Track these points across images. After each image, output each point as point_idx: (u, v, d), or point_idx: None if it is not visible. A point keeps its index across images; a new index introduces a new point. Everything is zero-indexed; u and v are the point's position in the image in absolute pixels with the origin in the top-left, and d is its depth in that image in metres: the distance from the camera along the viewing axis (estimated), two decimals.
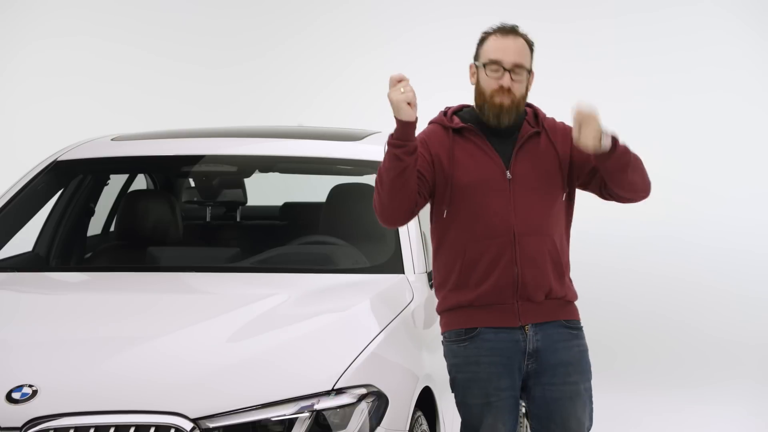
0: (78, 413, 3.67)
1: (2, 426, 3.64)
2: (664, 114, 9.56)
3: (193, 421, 3.66)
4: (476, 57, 4.24)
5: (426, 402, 4.35)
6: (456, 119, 4.26)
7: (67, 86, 10.09)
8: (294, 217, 6.10)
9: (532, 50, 4.24)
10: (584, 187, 4.29)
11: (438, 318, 4.72)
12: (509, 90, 4.14)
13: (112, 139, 5.66)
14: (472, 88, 4.26)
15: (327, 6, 10.25)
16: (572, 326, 4.24)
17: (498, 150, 4.19)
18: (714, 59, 9.79)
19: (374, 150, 5.35)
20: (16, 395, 3.70)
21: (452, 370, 4.24)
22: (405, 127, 4.05)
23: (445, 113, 4.31)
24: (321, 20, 10.21)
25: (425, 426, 4.25)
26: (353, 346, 4.02)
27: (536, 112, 4.28)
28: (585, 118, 4.02)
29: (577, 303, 4.30)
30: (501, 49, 4.17)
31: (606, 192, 4.23)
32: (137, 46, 10.19)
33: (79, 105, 10.03)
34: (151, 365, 3.85)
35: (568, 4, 9.72)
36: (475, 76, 4.23)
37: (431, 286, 4.81)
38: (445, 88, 9.92)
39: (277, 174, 5.88)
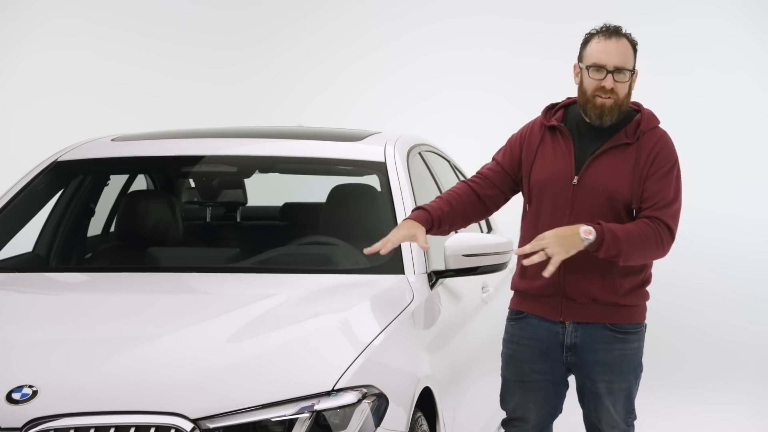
0: (78, 414, 3.67)
1: (2, 426, 3.64)
2: (664, 115, 9.52)
3: (194, 421, 3.66)
4: (580, 58, 4.36)
5: (426, 402, 4.35)
6: (557, 115, 4.41)
7: (68, 86, 10.09)
8: (294, 218, 6.10)
9: (635, 50, 4.35)
10: None
11: (439, 318, 4.76)
12: (612, 90, 4.26)
13: (112, 140, 5.65)
14: (575, 87, 4.39)
15: (327, 6, 10.25)
16: (619, 330, 4.37)
17: (578, 153, 4.32)
18: (714, 61, 9.79)
19: (374, 150, 5.35)
20: (16, 396, 3.70)
21: (503, 344, 4.58)
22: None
23: (551, 107, 4.47)
24: (321, 20, 10.21)
25: (425, 426, 4.25)
26: (353, 346, 4.02)
27: (641, 121, 4.34)
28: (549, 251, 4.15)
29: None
30: (604, 51, 4.29)
31: None
32: (137, 46, 10.19)
33: (80, 105, 10.03)
34: (151, 365, 3.84)
35: (568, 5, 9.71)
36: (579, 76, 4.35)
37: (431, 287, 4.83)
38: (445, 88, 9.96)
39: (277, 174, 5.88)
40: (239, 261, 5.15)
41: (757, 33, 9.84)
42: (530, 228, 4.39)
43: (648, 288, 4.44)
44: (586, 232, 4.15)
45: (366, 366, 3.94)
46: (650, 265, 4.42)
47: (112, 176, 5.91)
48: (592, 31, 4.36)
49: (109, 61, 10.15)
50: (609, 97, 4.26)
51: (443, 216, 4.46)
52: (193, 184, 6.42)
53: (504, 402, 4.57)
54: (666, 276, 9.48)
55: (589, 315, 4.35)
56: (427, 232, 4.43)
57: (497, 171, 4.50)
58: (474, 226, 6.21)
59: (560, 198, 4.31)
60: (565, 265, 4.25)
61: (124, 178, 6.13)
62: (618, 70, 4.27)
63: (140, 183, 6.23)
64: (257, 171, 5.75)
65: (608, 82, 4.25)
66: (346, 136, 5.72)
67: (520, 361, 4.47)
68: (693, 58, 9.80)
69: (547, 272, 4.14)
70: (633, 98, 4.38)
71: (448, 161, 6.28)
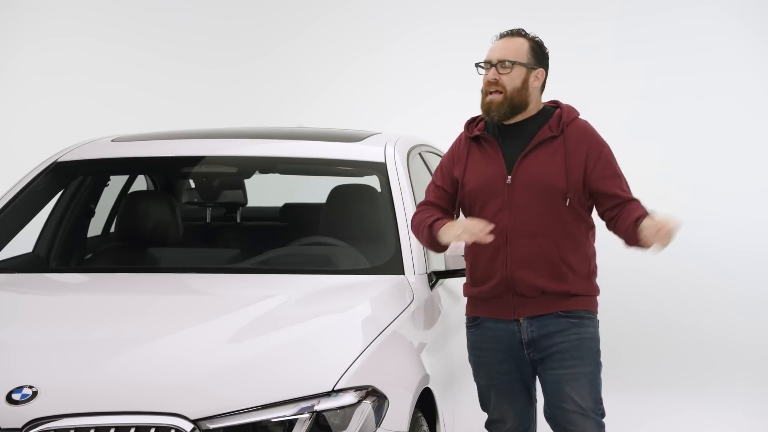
0: (78, 414, 3.67)
1: (2, 427, 3.64)
2: (664, 116, 9.55)
3: (194, 422, 3.66)
4: None
5: (426, 403, 4.35)
6: (479, 126, 4.48)
7: (68, 86, 10.08)
8: (294, 218, 6.10)
9: (536, 49, 4.43)
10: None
11: (439, 318, 4.77)
12: (497, 83, 4.36)
13: (112, 140, 5.65)
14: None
15: (327, 7, 10.25)
16: (572, 315, 4.42)
17: (507, 155, 4.39)
18: (715, 62, 9.79)
19: (374, 151, 5.35)
20: (16, 396, 3.70)
21: (468, 351, 4.61)
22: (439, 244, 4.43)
23: (472, 120, 4.54)
24: (321, 21, 10.21)
25: (425, 427, 4.25)
26: (353, 347, 4.02)
27: (562, 114, 4.42)
28: (668, 235, 4.18)
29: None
30: (492, 49, 4.45)
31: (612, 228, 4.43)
32: (137, 47, 10.18)
33: (80, 105, 10.02)
34: (151, 366, 3.84)
35: (568, 6, 9.71)
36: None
37: (431, 287, 4.84)
38: (445, 89, 9.96)
39: (277, 175, 5.87)
40: (239, 261, 5.15)
41: (758, 34, 9.84)
42: None
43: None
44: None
45: (366, 366, 3.94)
46: (594, 256, 4.47)
47: (112, 177, 5.91)
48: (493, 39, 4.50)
49: (110, 62, 10.15)
50: (496, 91, 4.36)
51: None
52: (193, 185, 6.42)
53: (483, 405, 4.62)
54: (666, 276, 9.53)
55: (540, 307, 4.39)
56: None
57: (441, 194, 4.51)
58: None
59: (497, 199, 4.36)
60: (511, 261, 4.34)
61: (124, 178, 6.13)
62: (500, 62, 4.38)
63: (140, 183, 6.23)
64: (257, 171, 5.75)
65: (491, 74, 4.38)
66: (346, 136, 5.72)
67: (486, 366, 4.52)
68: (693, 59, 9.79)
69: (657, 248, 4.19)
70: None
71: None
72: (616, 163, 4.42)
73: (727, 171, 9.77)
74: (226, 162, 5.63)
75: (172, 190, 6.37)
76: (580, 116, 4.47)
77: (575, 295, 4.41)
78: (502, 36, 4.45)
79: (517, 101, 4.38)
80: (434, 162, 5.92)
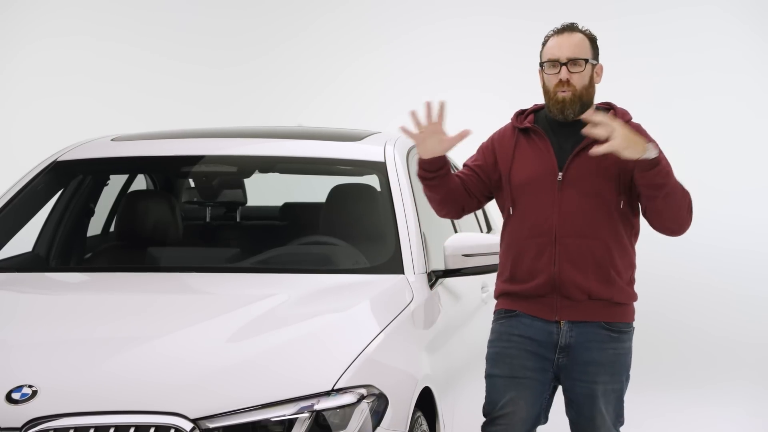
0: (78, 413, 3.67)
1: (2, 426, 3.64)
2: (664, 115, 9.55)
3: (193, 421, 3.66)
4: (540, 62, 4.39)
5: (426, 402, 4.34)
6: (529, 119, 4.41)
7: (67, 86, 10.08)
8: (294, 218, 6.09)
9: (593, 43, 4.38)
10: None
11: (438, 318, 4.75)
12: (568, 82, 4.27)
13: (111, 140, 5.65)
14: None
15: (327, 6, 10.24)
16: (613, 329, 4.37)
17: (559, 152, 4.32)
18: (715, 62, 9.79)
19: (374, 150, 5.34)
20: (15, 395, 3.70)
21: (488, 346, 4.49)
22: (430, 162, 4.32)
23: (521, 113, 4.47)
24: (321, 21, 10.21)
25: (425, 426, 4.25)
26: (353, 346, 4.01)
27: (616, 115, 4.35)
28: (608, 130, 4.09)
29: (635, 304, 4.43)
30: (556, 46, 4.34)
31: (647, 217, 4.33)
32: (137, 46, 10.18)
33: (79, 105, 10.02)
34: (151, 365, 3.84)
35: (569, 6, 9.71)
36: (542, 80, 4.37)
37: (431, 287, 4.83)
38: (445, 89, 9.93)
39: (276, 174, 5.87)
40: (239, 261, 5.15)
41: (758, 34, 9.83)
42: (517, 230, 4.36)
43: (636, 286, 4.46)
44: (653, 146, 4.12)
45: (366, 366, 3.94)
46: (634, 265, 4.42)
47: (111, 176, 5.90)
48: (548, 33, 4.42)
49: (109, 61, 10.14)
50: (566, 90, 4.28)
51: (449, 171, 4.37)
52: (192, 184, 6.41)
53: (490, 403, 4.42)
54: (666, 276, 9.53)
55: (584, 313, 4.31)
56: (436, 170, 4.33)
57: (471, 176, 4.44)
58: (474, 225, 6.22)
59: (546, 196, 4.29)
60: (559, 261, 4.26)
61: (124, 178, 6.13)
62: (571, 61, 4.30)
63: (140, 183, 6.22)
64: (257, 171, 5.75)
65: (563, 74, 4.28)
66: (345, 136, 5.72)
67: (510, 358, 4.36)
68: (694, 58, 9.79)
69: (596, 151, 4.08)
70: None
71: (448, 161, 6.26)
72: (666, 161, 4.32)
73: (727, 170, 9.77)
74: (225, 161, 5.63)
75: (172, 189, 6.36)
76: (632, 119, 4.39)
77: (618, 303, 4.35)
78: (560, 31, 4.37)
79: (585, 99, 4.31)
80: None
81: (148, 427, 3.65)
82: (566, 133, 4.33)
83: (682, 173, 4.04)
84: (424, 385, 4.27)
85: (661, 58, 9.70)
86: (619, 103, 4.49)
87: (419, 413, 4.21)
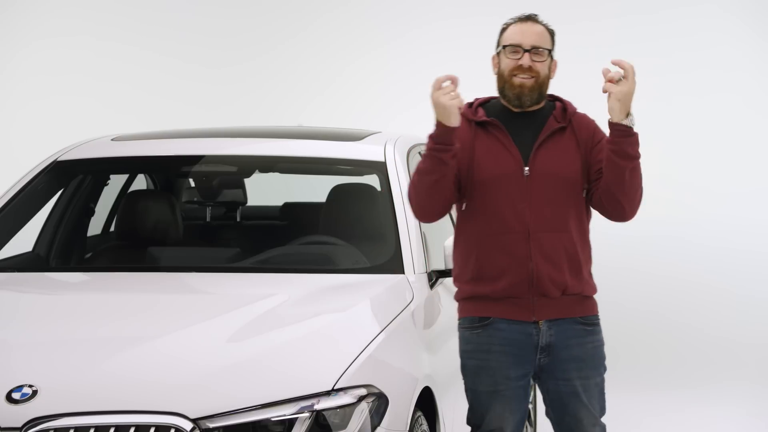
0: (78, 413, 3.67)
1: (2, 426, 3.64)
2: (664, 115, 9.55)
3: (193, 421, 3.66)
4: (497, 46, 4.30)
5: (426, 402, 4.34)
6: (481, 112, 4.30)
7: (68, 85, 10.08)
8: (294, 218, 6.09)
9: (552, 37, 4.31)
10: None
11: (439, 317, 4.74)
12: (530, 68, 4.21)
13: (112, 139, 5.65)
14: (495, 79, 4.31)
15: (327, 6, 10.24)
16: (588, 322, 4.30)
17: (519, 145, 4.24)
18: (714, 61, 9.79)
19: (374, 150, 5.35)
20: (16, 395, 3.70)
21: (464, 356, 4.32)
22: (450, 132, 4.09)
23: (470, 105, 4.34)
24: (321, 20, 10.20)
25: (425, 426, 4.25)
26: (353, 346, 4.01)
27: (566, 107, 4.32)
28: (630, 74, 4.09)
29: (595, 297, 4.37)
30: (519, 32, 4.25)
31: (597, 198, 4.25)
32: (137, 46, 10.18)
33: (80, 104, 10.02)
34: (151, 365, 3.84)
35: (567, 5, 9.71)
36: (497, 64, 4.29)
37: (431, 286, 4.82)
38: None
39: (277, 174, 5.87)
40: (239, 261, 5.15)
41: (757, 33, 9.83)
42: (479, 227, 4.22)
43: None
44: (633, 118, 4.11)
45: (366, 366, 3.94)
46: (591, 256, 4.35)
47: (111, 176, 5.90)
48: (508, 21, 4.33)
49: (109, 61, 10.14)
50: (530, 77, 4.21)
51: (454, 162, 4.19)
52: (193, 184, 6.41)
53: (475, 417, 4.32)
54: (666, 276, 9.53)
55: (561, 310, 4.23)
56: (453, 143, 4.12)
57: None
58: None
59: (515, 191, 4.19)
60: (536, 258, 4.17)
61: (124, 177, 6.13)
62: (534, 48, 4.22)
63: (140, 183, 6.22)
64: (257, 171, 5.75)
65: (525, 60, 4.20)
66: (346, 135, 5.71)
67: (492, 371, 4.23)
68: (693, 57, 9.79)
69: (606, 86, 4.07)
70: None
71: None
72: None
73: (727, 170, 9.77)
74: (225, 161, 5.63)
75: (172, 189, 6.36)
76: (578, 110, 4.36)
77: (587, 297, 4.30)
78: (522, 20, 4.28)
79: (544, 90, 4.25)
80: None
81: (148, 426, 3.65)
82: (522, 124, 4.26)
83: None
84: (424, 385, 4.27)
85: (660, 57, 9.69)
86: None
87: (419, 413, 4.21)
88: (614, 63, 4.11)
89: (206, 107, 9.96)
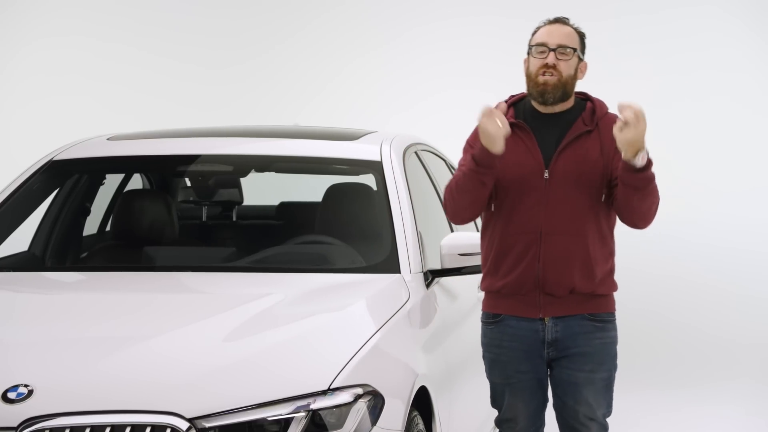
0: (74, 413, 3.67)
1: None
2: (664, 115, 9.55)
3: (189, 420, 3.66)
4: (528, 49, 4.37)
5: (422, 401, 4.34)
6: (510, 112, 4.36)
7: (65, 85, 10.08)
8: (290, 217, 6.09)
9: (582, 39, 4.37)
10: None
11: (435, 317, 4.74)
12: (554, 67, 4.27)
13: (108, 139, 5.64)
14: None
15: (324, 6, 10.24)
16: (597, 319, 4.37)
17: (543, 148, 4.30)
18: (714, 61, 9.79)
19: (370, 149, 5.34)
20: (11, 395, 3.69)
21: (483, 347, 4.50)
22: (493, 158, 4.19)
23: (506, 102, 4.42)
24: (318, 21, 10.20)
25: (421, 425, 4.25)
26: (349, 345, 4.01)
27: (595, 108, 4.35)
28: (635, 122, 4.06)
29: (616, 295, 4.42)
30: (546, 33, 4.33)
31: (616, 205, 4.31)
32: (135, 46, 10.18)
33: (76, 104, 10.02)
34: (147, 365, 3.84)
35: (569, 6, 9.69)
36: (526, 65, 4.36)
37: (427, 286, 4.83)
38: (444, 88, 9.95)
39: (273, 173, 5.87)
40: (235, 260, 5.14)
41: (758, 34, 9.83)
42: (501, 228, 4.33)
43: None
44: (646, 154, 4.11)
45: (362, 365, 3.94)
46: (614, 252, 4.41)
47: (107, 175, 5.90)
48: (539, 24, 4.40)
49: (106, 61, 10.14)
50: (552, 75, 4.27)
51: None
52: (188, 184, 6.41)
53: (495, 403, 4.52)
54: (665, 275, 9.53)
55: (567, 308, 4.31)
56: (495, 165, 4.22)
57: None
58: (470, 225, 6.21)
59: (533, 194, 4.27)
60: (544, 259, 4.25)
61: (120, 177, 6.12)
62: (560, 47, 4.28)
63: (136, 182, 6.22)
64: (253, 170, 5.74)
65: (550, 59, 4.27)
66: (342, 135, 5.71)
67: (503, 364, 4.41)
68: (693, 58, 9.79)
69: (621, 129, 4.05)
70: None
71: (444, 161, 6.27)
72: None
73: (727, 170, 9.77)
74: (221, 160, 5.62)
75: (168, 188, 6.35)
76: (609, 110, 4.39)
77: (600, 295, 4.35)
78: (552, 22, 4.35)
79: (568, 89, 4.30)
80: (430, 161, 5.91)
81: (144, 426, 3.65)
82: (548, 125, 4.32)
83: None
84: (420, 385, 4.26)
85: (660, 58, 9.69)
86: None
87: (415, 412, 4.21)
88: (621, 108, 4.11)
89: (203, 107, 9.96)
